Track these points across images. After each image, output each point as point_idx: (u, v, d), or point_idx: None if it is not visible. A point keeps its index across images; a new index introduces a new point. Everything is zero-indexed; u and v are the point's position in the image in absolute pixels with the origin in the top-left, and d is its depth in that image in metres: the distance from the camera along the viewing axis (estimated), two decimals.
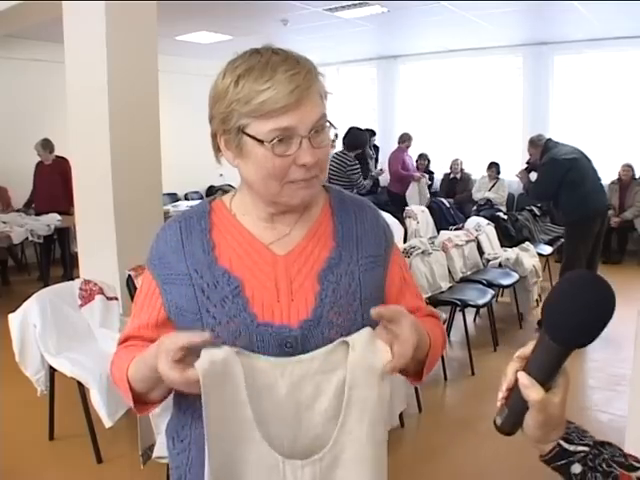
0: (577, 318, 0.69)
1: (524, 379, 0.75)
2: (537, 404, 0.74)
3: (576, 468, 0.76)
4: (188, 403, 1.03)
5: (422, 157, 8.76)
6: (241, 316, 0.97)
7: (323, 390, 0.93)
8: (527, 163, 5.19)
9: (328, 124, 0.98)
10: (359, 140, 5.56)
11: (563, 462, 0.77)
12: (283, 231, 1.04)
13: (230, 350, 0.88)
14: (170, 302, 1.02)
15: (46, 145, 6.40)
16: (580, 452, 0.76)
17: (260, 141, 0.93)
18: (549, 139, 4.91)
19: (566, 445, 0.77)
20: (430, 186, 8.64)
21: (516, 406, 0.78)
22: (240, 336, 0.97)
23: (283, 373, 0.91)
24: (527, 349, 0.79)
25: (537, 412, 0.75)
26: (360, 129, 5.72)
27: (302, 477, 0.92)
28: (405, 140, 8.33)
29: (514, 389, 0.78)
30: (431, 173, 8.89)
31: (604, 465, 0.74)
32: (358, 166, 5.50)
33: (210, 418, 0.88)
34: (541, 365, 0.76)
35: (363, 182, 5.56)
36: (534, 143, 4.95)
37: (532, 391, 0.75)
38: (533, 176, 5.05)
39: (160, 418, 2.07)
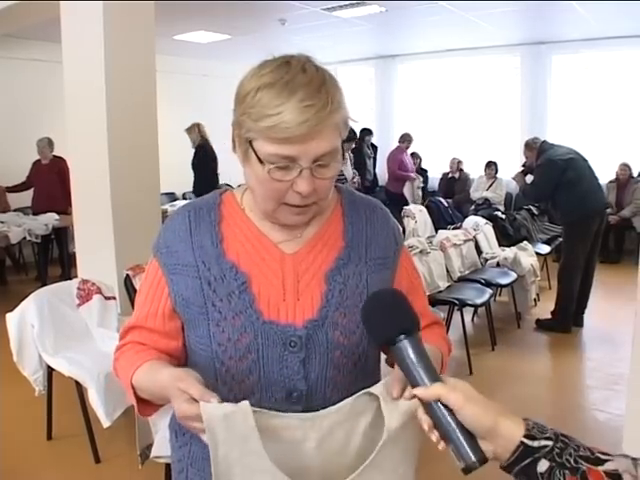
0: (376, 325, 0.87)
1: (418, 392, 0.79)
2: (453, 401, 0.76)
3: (542, 465, 0.73)
4: None
5: (414, 156, 8.78)
6: (247, 312, 0.97)
7: (353, 434, 0.91)
8: (523, 166, 5.18)
9: (340, 154, 0.96)
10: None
11: (529, 461, 0.74)
12: (293, 232, 1.03)
13: (245, 407, 0.84)
14: (176, 293, 1.01)
15: (50, 143, 6.41)
16: (544, 447, 0.74)
17: (261, 161, 0.92)
18: (544, 141, 4.92)
19: (529, 442, 0.74)
20: (425, 185, 8.66)
21: (453, 433, 0.77)
22: (245, 332, 0.96)
23: (313, 426, 0.90)
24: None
25: (464, 407, 0.76)
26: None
27: None
28: (405, 140, 8.33)
29: (436, 425, 0.78)
30: (424, 172, 8.91)
31: (571, 461, 0.72)
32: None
33: (217, 451, 0.85)
34: (408, 373, 0.82)
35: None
36: (529, 146, 4.95)
37: (431, 390, 0.78)
38: (529, 179, 5.05)
39: (158, 417, 2.06)
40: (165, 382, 0.90)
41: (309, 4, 6.07)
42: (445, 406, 0.77)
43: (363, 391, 0.92)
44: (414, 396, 0.81)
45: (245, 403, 0.84)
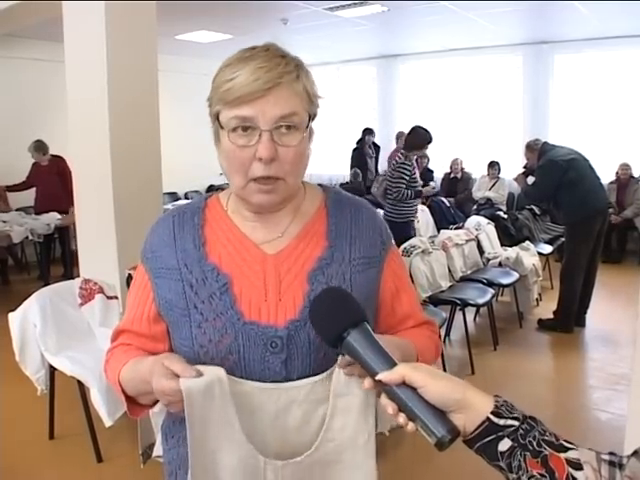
0: (322, 328, 0.88)
1: (382, 376, 0.79)
2: (418, 379, 0.77)
3: (504, 444, 0.73)
4: None
5: (421, 156, 8.73)
6: (228, 313, 0.97)
7: (310, 418, 0.94)
8: (524, 167, 5.17)
9: (305, 125, 0.96)
10: (416, 140, 4.92)
11: (491, 438, 0.74)
12: (275, 232, 1.03)
13: (217, 369, 0.89)
14: (160, 296, 1.03)
15: (39, 147, 6.34)
16: (510, 426, 0.73)
17: (223, 128, 0.95)
18: (545, 142, 4.91)
19: (495, 419, 0.74)
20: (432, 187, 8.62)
21: (419, 411, 0.77)
22: (226, 333, 0.96)
23: (270, 398, 0.92)
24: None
25: (430, 384, 0.76)
26: (423, 129, 5.01)
27: (283, 476, 0.93)
28: (401, 138, 8.26)
29: (402, 407, 0.78)
30: (430, 172, 8.89)
31: (534, 443, 0.72)
32: (407, 169, 4.78)
33: (194, 424, 0.88)
34: (364, 363, 0.81)
35: (402, 188, 4.74)
36: (531, 147, 4.94)
37: (395, 372, 0.78)
38: (531, 180, 5.03)
39: (160, 417, 2.07)
40: (149, 364, 0.92)
41: (311, 4, 6.06)
42: (408, 387, 0.77)
43: (328, 371, 0.93)
44: (376, 384, 0.81)
45: (222, 373, 0.88)
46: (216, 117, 0.96)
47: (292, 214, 1.04)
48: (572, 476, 0.70)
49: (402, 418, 0.78)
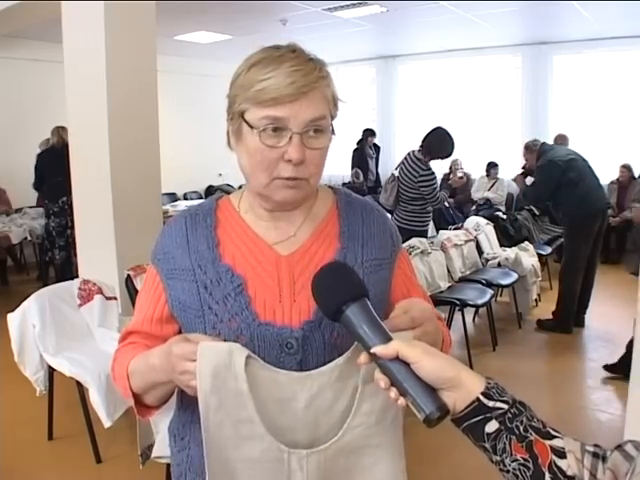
0: (322, 300, 0.89)
1: (377, 350, 0.79)
2: (412, 355, 0.77)
3: (491, 426, 0.73)
4: (189, 401, 1.03)
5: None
6: (243, 314, 0.97)
7: (341, 395, 0.93)
8: (523, 168, 5.17)
9: (330, 129, 0.97)
10: (441, 147, 4.33)
11: (479, 419, 0.74)
12: (288, 232, 1.04)
13: (234, 344, 0.89)
14: (173, 297, 1.02)
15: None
16: (499, 409, 0.74)
17: (252, 127, 0.94)
18: (544, 143, 4.91)
19: (485, 400, 0.74)
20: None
21: (410, 386, 0.77)
22: (241, 335, 0.96)
23: (303, 388, 0.91)
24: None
25: (423, 360, 0.76)
26: (448, 134, 4.34)
27: (307, 465, 0.92)
28: (562, 141, 6.58)
29: (394, 382, 0.78)
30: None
31: (521, 428, 0.73)
32: (433, 177, 4.38)
33: (208, 409, 0.87)
34: (360, 337, 0.82)
35: (438, 195, 4.40)
36: (529, 148, 4.93)
37: (390, 347, 0.78)
38: (529, 181, 5.02)
39: (159, 417, 2.06)
40: (161, 348, 0.93)
41: (310, 4, 6.07)
42: (402, 362, 0.78)
43: (352, 348, 0.92)
44: (371, 359, 0.82)
45: (241, 347, 0.88)
46: (241, 115, 0.96)
47: (304, 214, 1.05)
48: (555, 463, 0.70)
49: (393, 393, 0.79)
